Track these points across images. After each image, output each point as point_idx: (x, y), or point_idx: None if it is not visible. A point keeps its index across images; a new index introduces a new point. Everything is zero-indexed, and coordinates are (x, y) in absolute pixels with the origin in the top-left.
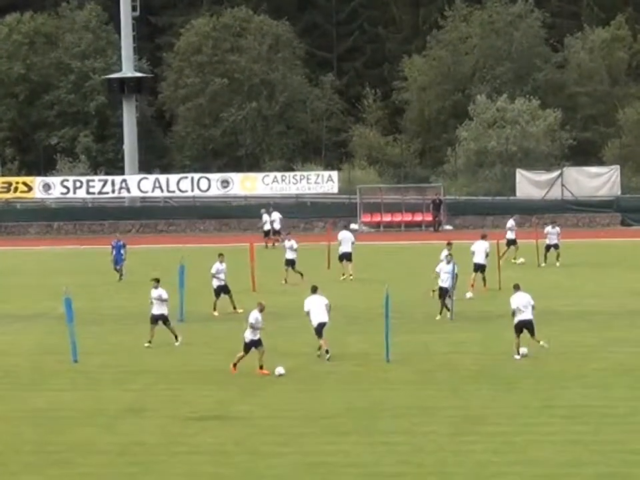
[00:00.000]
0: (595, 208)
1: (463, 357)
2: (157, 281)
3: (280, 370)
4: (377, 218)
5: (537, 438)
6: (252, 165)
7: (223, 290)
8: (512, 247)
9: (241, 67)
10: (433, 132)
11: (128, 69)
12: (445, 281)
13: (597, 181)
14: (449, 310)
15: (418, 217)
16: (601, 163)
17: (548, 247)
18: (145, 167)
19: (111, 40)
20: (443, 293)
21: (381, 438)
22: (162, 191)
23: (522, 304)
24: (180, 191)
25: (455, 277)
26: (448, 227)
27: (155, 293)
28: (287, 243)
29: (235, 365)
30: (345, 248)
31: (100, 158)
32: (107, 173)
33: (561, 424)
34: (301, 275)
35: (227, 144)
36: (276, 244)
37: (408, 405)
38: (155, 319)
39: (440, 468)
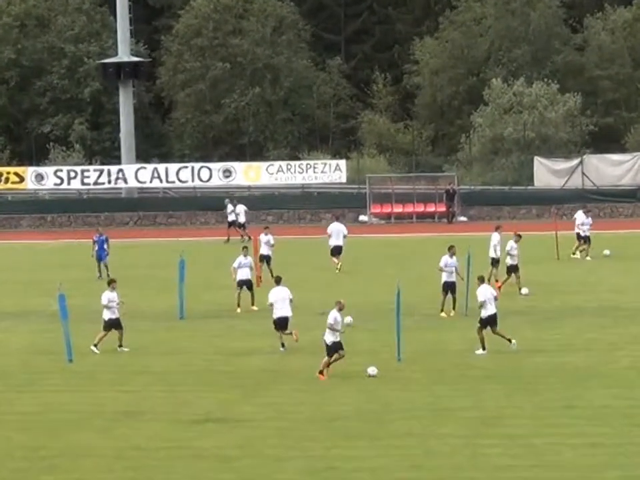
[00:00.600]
0: (617, 197)
1: (478, 356)
2: (114, 282)
3: (372, 370)
4: (387, 209)
5: (557, 440)
6: (255, 153)
7: (245, 284)
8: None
9: (243, 51)
10: (446, 118)
11: (124, 53)
12: (452, 275)
13: (620, 168)
14: (454, 308)
15: (430, 208)
16: (623, 149)
17: (581, 237)
18: (143, 156)
19: (106, 23)
20: (450, 288)
21: (392, 441)
22: (161, 181)
23: (488, 297)
24: (180, 181)
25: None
26: (462, 219)
27: (113, 295)
28: (264, 238)
29: (321, 372)
30: (336, 241)
31: (95, 147)
32: (102, 163)
33: (582, 425)
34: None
35: (228, 132)
36: (243, 237)
37: (420, 407)
38: (111, 324)
39: (455, 473)
